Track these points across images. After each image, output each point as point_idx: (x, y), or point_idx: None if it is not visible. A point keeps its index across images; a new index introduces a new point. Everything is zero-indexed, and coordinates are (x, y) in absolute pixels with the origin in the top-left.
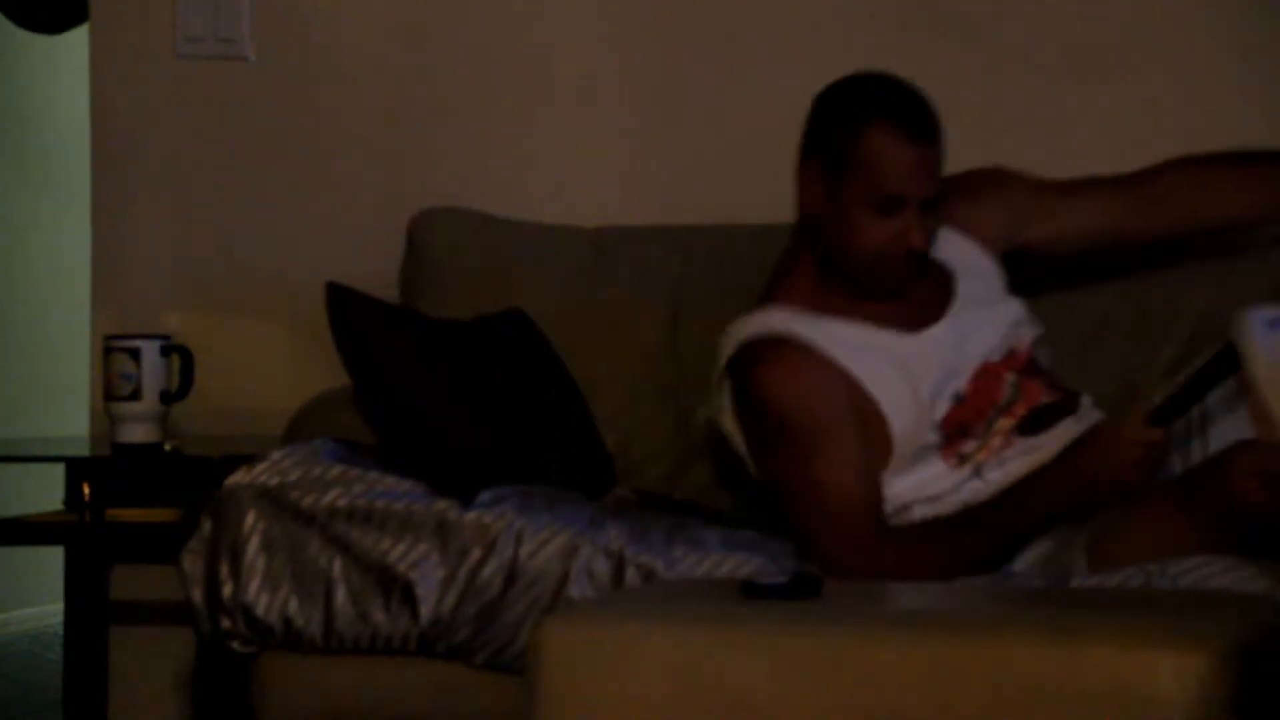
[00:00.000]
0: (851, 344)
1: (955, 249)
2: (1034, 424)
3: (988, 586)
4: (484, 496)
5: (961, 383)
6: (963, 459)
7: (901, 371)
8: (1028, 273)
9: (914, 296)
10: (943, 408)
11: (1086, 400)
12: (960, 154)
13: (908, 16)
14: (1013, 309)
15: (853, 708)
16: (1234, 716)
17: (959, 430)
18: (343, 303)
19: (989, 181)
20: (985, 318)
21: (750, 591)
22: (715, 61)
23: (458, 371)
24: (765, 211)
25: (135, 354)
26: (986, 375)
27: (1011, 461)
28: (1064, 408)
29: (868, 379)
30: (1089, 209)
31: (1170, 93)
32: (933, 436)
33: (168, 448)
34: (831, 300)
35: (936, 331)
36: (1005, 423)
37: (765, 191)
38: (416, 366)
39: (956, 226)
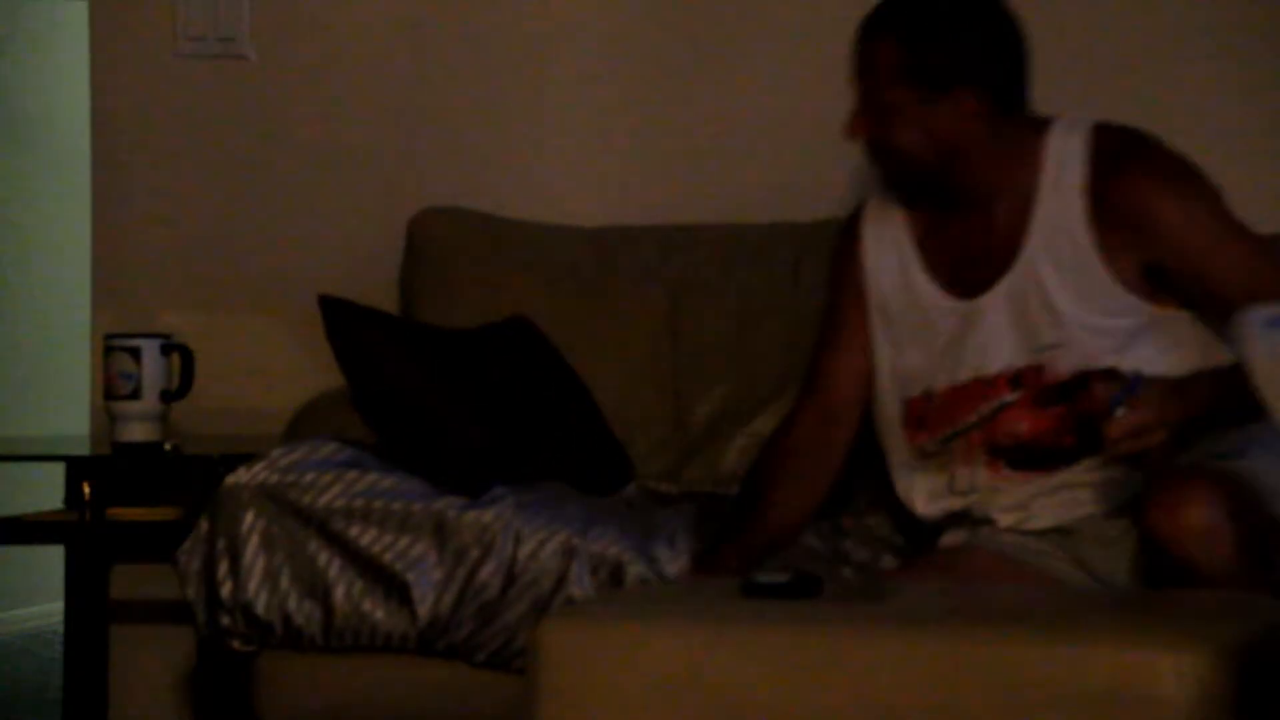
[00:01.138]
0: (889, 251)
1: (1064, 228)
2: (1014, 459)
3: (989, 587)
4: (493, 492)
5: (939, 381)
6: (925, 454)
7: (896, 308)
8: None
9: (968, 247)
10: (914, 389)
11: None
12: None
13: None
14: (1060, 330)
15: (853, 708)
16: (1234, 716)
17: (917, 421)
18: (337, 313)
19: (1141, 216)
20: (1017, 320)
21: (750, 591)
22: (715, 62)
23: (457, 373)
24: (765, 211)
25: (135, 353)
26: (967, 390)
27: (999, 495)
28: (1049, 453)
29: (877, 291)
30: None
31: (1173, 96)
32: (895, 408)
33: (168, 447)
34: (919, 214)
35: (958, 306)
36: (961, 444)
37: (765, 191)
38: (415, 369)
39: (1093, 224)
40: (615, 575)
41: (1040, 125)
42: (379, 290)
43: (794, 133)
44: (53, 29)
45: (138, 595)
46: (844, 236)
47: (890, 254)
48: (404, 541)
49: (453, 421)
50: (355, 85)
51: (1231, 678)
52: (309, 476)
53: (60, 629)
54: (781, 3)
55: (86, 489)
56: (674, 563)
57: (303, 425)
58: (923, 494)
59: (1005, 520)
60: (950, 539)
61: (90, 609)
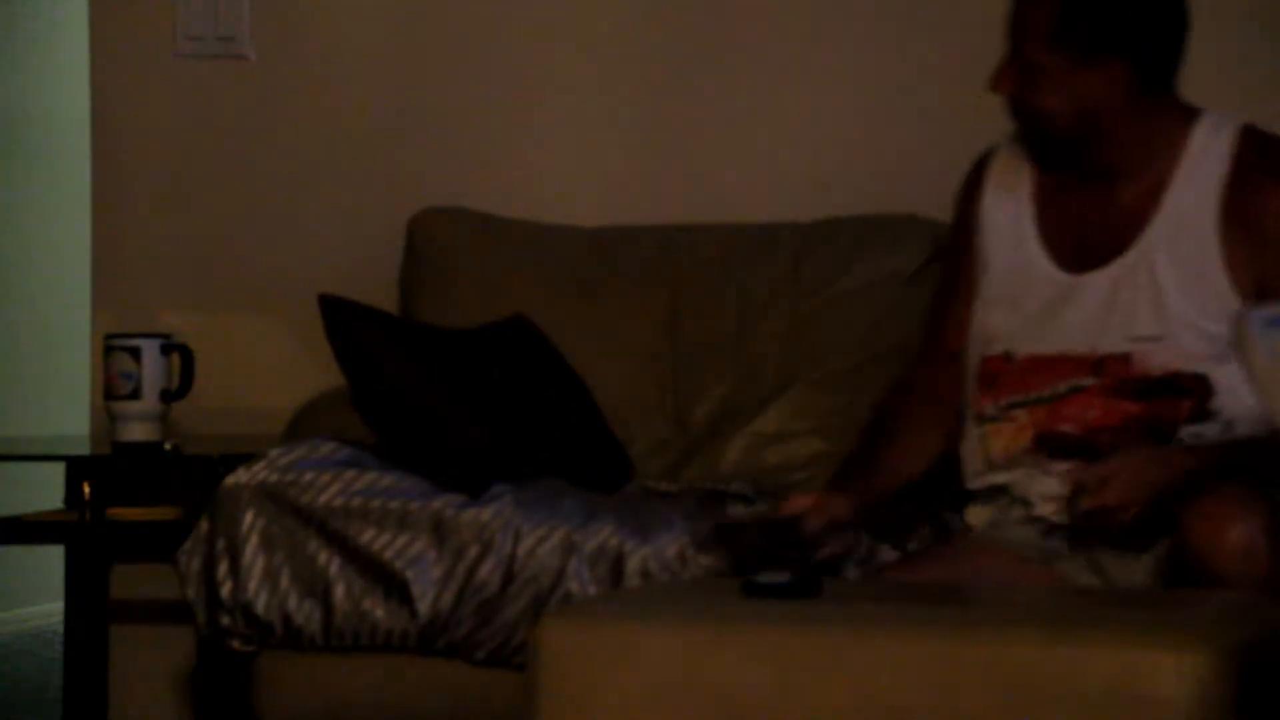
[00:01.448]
0: (1007, 207)
1: (1192, 222)
2: (1052, 447)
3: (990, 587)
4: (492, 490)
5: (1022, 347)
6: (981, 418)
7: (1006, 270)
8: None
9: (1087, 221)
10: (995, 348)
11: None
12: (966, 159)
13: (909, 19)
14: (1161, 324)
15: (853, 708)
16: (1234, 716)
17: (989, 380)
18: (337, 313)
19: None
20: (1119, 305)
21: (750, 591)
22: (714, 62)
23: (457, 373)
24: (765, 211)
25: (135, 353)
26: (1048, 364)
27: (1044, 479)
28: (1088, 447)
29: (985, 241)
30: None
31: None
32: (975, 363)
33: (168, 447)
34: (1048, 176)
35: (1061, 279)
36: (1022, 415)
37: (765, 191)
38: (415, 369)
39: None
40: (615, 566)
41: (1188, 114)
42: (379, 290)
43: (794, 133)
44: (53, 29)
45: (138, 595)
46: (968, 183)
47: (1008, 210)
48: (403, 540)
49: (453, 421)
50: (355, 85)
51: (1231, 678)
52: (308, 476)
53: (60, 629)
54: (782, 3)
55: (86, 489)
56: (673, 545)
57: (303, 425)
58: (970, 460)
59: (1042, 509)
60: (975, 515)
61: (90, 609)
